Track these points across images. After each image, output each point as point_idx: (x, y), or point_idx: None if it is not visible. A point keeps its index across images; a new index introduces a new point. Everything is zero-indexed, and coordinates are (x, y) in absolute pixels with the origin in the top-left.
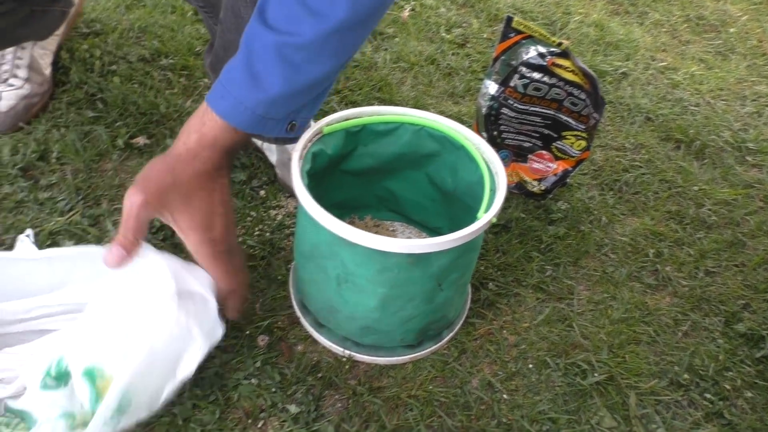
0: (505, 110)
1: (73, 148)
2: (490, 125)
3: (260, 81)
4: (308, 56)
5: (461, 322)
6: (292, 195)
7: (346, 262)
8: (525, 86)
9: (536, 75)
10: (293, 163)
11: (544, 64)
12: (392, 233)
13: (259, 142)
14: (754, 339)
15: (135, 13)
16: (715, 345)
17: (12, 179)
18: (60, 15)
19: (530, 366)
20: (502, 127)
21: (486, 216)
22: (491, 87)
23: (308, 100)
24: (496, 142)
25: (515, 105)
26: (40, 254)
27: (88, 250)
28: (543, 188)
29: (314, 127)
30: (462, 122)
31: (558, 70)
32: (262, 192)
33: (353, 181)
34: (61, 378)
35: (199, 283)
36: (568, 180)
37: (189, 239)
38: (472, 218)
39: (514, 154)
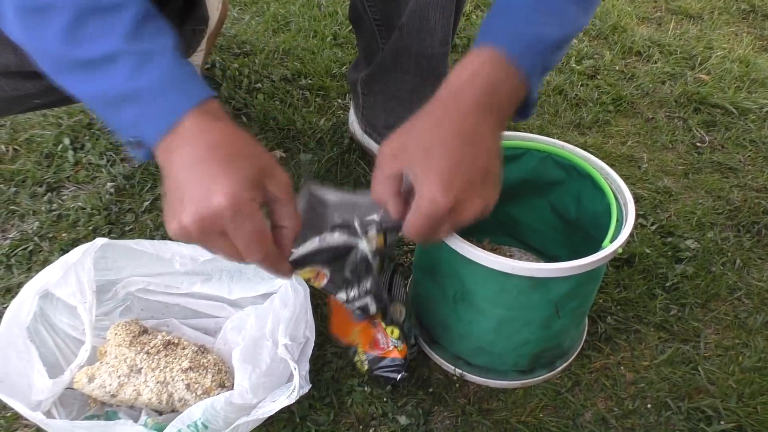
0: None
1: None
2: None
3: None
4: None
5: (576, 353)
6: None
7: (465, 281)
8: None
9: None
10: None
11: None
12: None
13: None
14: None
15: (281, 36)
16: None
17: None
18: (192, 34)
19: (648, 406)
20: None
21: (612, 246)
22: None
23: None
24: None
25: None
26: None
27: None
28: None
29: None
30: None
31: None
32: None
33: None
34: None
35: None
36: None
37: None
38: (594, 249)
39: None
